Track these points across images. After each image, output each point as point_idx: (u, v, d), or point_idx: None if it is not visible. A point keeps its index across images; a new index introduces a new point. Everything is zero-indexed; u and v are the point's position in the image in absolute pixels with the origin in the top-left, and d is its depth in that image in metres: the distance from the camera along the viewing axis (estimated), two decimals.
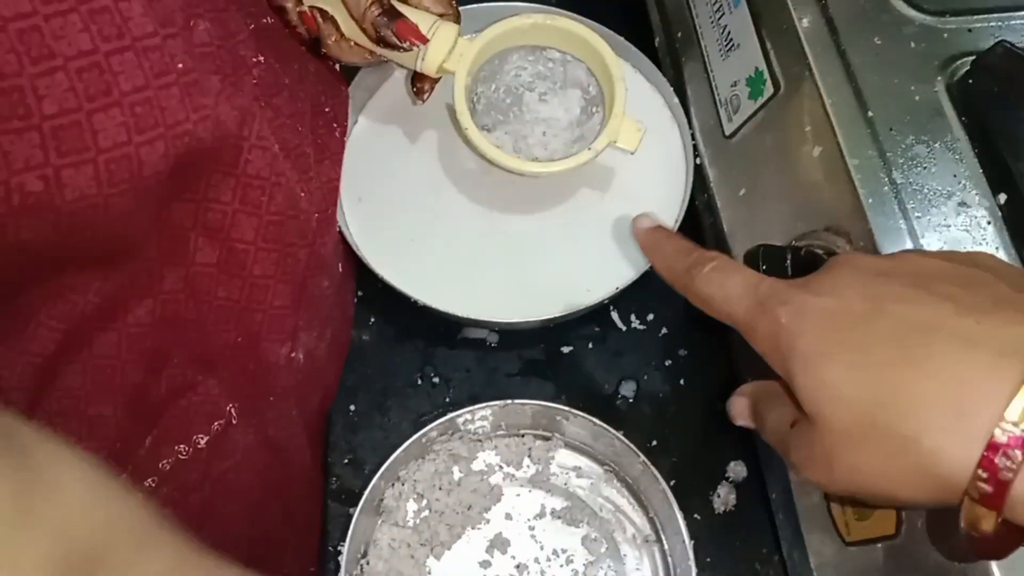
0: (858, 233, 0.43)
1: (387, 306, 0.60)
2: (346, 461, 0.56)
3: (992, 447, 0.26)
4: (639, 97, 0.61)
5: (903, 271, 0.32)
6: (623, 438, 0.52)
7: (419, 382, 0.59)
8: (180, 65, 0.37)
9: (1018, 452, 0.26)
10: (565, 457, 0.55)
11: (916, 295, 0.30)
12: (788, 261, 0.44)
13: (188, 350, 0.45)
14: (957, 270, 0.31)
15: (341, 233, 0.56)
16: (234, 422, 0.48)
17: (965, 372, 0.28)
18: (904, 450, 0.28)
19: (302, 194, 0.48)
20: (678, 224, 0.56)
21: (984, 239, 0.42)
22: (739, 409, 0.41)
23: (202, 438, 0.47)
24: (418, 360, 0.59)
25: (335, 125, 0.56)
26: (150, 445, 0.45)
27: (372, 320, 0.60)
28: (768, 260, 0.44)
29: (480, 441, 0.55)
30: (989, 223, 0.42)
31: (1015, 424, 0.26)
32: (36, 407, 0.41)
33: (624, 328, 0.59)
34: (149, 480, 0.45)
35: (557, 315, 0.54)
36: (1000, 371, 0.27)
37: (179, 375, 0.45)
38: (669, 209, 0.57)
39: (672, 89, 0.60)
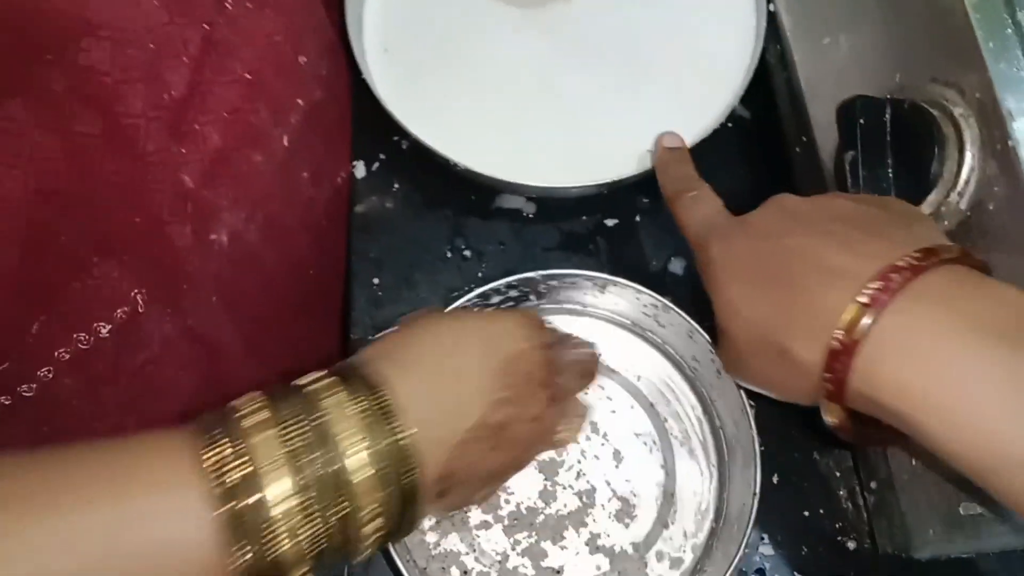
0: (973, 84, 0.37)
1: (412, 170, 0.54)
2: (370, 338, 0.51)
3: (831, 353, 0.33)
4: None
5: (812, 212, 0.37)
6: (679, 311, 0.47)
7: (449, 255, 0.53)
8: None
9: (847, 356, 0.32)
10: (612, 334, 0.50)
11: (809, 232, 0.36)
12: (888, 115, 0.38)
13: (77, 228, 0.39)
14: (857, 210, 0.36)
15: (313, 107, 0.49)
16: (141, 310, 0.43)
17: (825, 295, 0.33)
18: (781, 358, 0.35)
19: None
20: (748, 77, 0.49)
21: None
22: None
23: (103, 326, 0.42)
24: (448, 231, 0.54)
25: None
26: (38, 331, 0.40)
27: (396, 186, 0.55)
28: (866, 113, 0.38)
29: None
30: None
31: (845, 332, 0.32)
32: None
33: None
34: (43, 370, 0.41)
35: (607, 180, 0.49)
36: (842, 293, 0.32)
37: (69, 256, 0.40)
38: (738, 64, 0.50)
39: None
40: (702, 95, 0.50)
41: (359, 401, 0.33)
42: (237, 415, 0.33)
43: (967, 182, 0.37)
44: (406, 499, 0.34)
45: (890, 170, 0.38)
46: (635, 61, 0.51)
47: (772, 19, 0.50)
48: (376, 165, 0.55)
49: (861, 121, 0.38)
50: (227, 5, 0.42)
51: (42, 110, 0.35)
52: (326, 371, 0.36)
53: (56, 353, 0.40)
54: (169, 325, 0.44)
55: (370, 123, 0.54)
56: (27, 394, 0.40)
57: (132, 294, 0.42)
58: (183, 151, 0.41)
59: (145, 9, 0.37)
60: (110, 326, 0.42)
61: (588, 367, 0.43)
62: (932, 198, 0.38)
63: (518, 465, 0.40)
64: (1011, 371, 0.29)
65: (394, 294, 0.52)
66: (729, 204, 0.54)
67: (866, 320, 0.31)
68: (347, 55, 0.52)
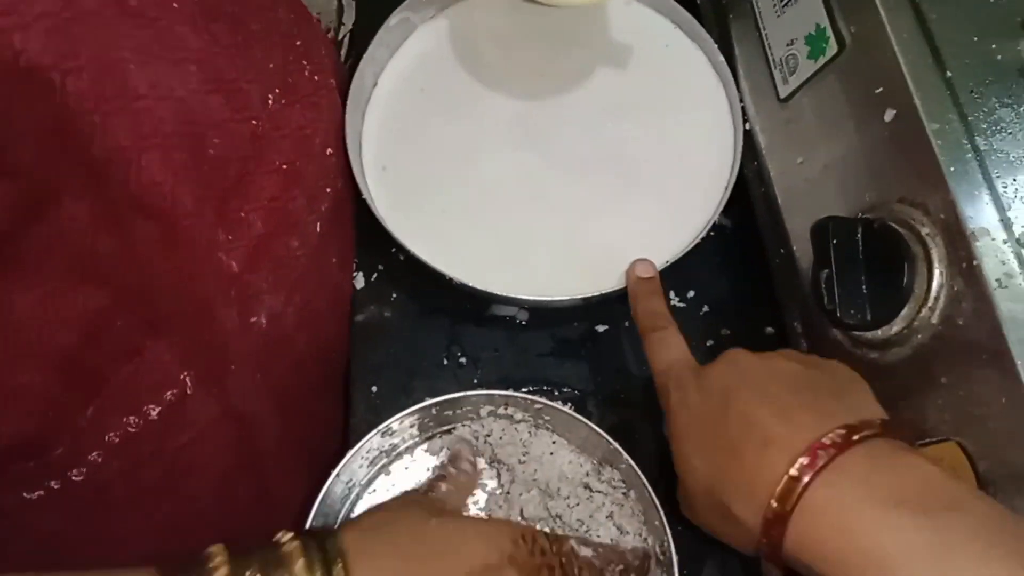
0: (938, 204, 0.40)
1: (410, 281, 0.56)
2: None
3: (766, 519, 0.36)
4: (681, 55, 0.57)
5: (760, 372, 0.40)
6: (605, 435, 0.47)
7: (445, 362, 0.55)
8: None
9: (780, 524, 0.35)
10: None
11: (753, 396, 0.39)
12: (860, 235, 0.41)
13: (130, 315, 0.41)
14: (800, 375, 0.39)
15: (339, 195, 0.51)
16: (189, 392, 0.44)
17: (761, 463, 0.36)
18: (724, 515, 0.38)
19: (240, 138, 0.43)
20: (727, 193, 0.52)
21: None
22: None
23: (153, 408, 0.43)
24: (444, 339, 0.56)
25: (305, 62, 0.50)
26: (92, 415, 0.41)
27: (394, 296, 0.57)
28: (838, 233, 0.41)
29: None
30: None
31: (778, 502, 0.35)
32: None
33: None
34: (94, 454, 0.41)
35: (597, 293, 0.51)
36: (776, 464, 0.35)
37: (122, 341, 0.41)
38: (717, 179, 0.53)
39: (717, 47, 0.55)
40: (686, 208, 0.53)
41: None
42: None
43: (937, 298, 0.39)
44: None
45: (864, 287, 0.40)
46: (621, 177, 0.54)
47: (748, 137, 0.53)
48: (375, 276, 0.57)
49: (834, 241, 0.40)
50: (269, 101, 0.45)
51: (104, 215, 0.37)
52: (293, 534, 0.38)
53: (106, 437, 0.41)
54: (214, 405, 0.46)
55: (369, 236, 0.56)
56: (76, 478, 0.41)
57: (181, 376, 0.44)
58: (229, 238, 0.43)
59: (212, 106, 0.40)
60: (159, 408, 0.43)
61: None
62: (905, 313, 0.40)
63: None
64: (929, 537, 0.32)
65: (392, 402, 0.54)
66: (713, 310, 0.56)
67: (796, 492, 0.34)
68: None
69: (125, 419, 0.42)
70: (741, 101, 0.54)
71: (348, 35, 0.75)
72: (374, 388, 0.54)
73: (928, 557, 0.31)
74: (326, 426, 0.58)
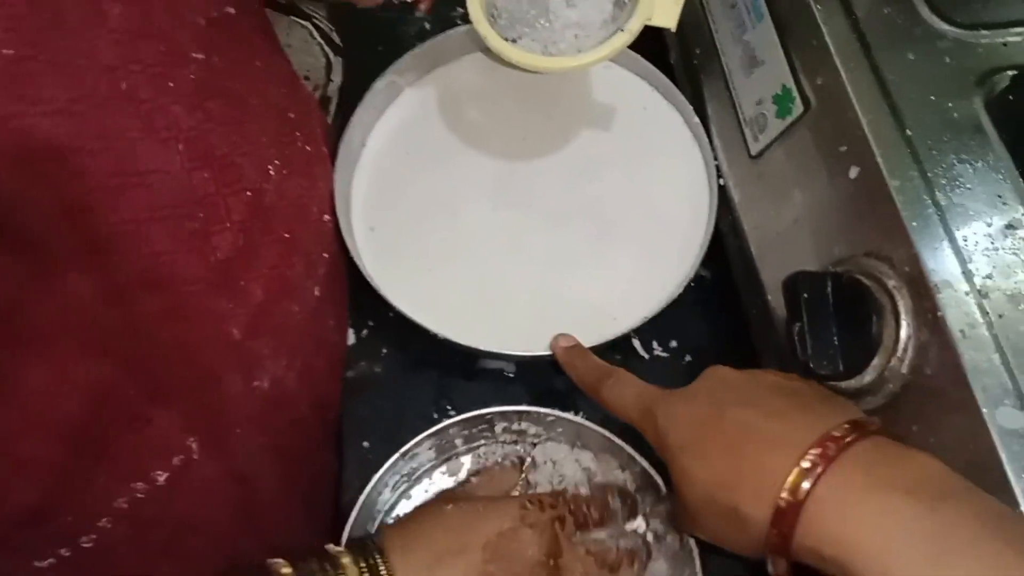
0: (902, 257, 0.41)
1: (399, 336, 0.58)
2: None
3: (777, 511, 0.37)
4: (657, 115, 0.59)
5: (747, 384, 0.42)
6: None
7: (435, 415, 0.56)
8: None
9: (792, 514, 0.36)
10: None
11: (746, 403, 0.40)
12: (829, 288, 0.42)
13: (135, 384, 0.42)
14: (786, 386, 0.42)
15: (334, 259, 0.53)
16: (195, 457, 0.46)
17: (768, 460, 0.38)
18: (730, 517, 0.39)
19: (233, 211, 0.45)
20: (704, 248, 0.54)
21: None
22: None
23: (161, 475, 0.44)
24: (433, 392, 0.57)
25: (298, 134, 0.52)
26: (100, 484, 0.42)
27: (384, 351, 0.58)
28: (808, 288, 0.42)
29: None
30: None
31: (790, 493, 0.36)
32: None
33: (647, 356, 0.57)
34: (103, 521, 0.42)
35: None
36: (784, 459, 0.37)
37: (128, 410, 0.42)
38: (693, 233, 0.55)
39: (692, 108, 0.58)
40: (665, 262, 0.55)
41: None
42: None
43: (905, 348, 0.40)
44: None
45: (835, 339, 0.42)
46: (603, 234, 0.56)
47: (723, 192, 0.55)
48: (365, 332, 0.59)
49: (805, 295, 0.42)
50: (270, 172, 0.47)
51: (108, 290, 0.38)
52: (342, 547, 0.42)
53: (115, 503, 0.42)
54: (218, 466, 0.47)
55: (359, 293, 0.58)
56: (86, 545, 0.42)
57: (188, 442, 0.45)
58: (231, 306, 0.45)
59: (195, 183, 0.41)
60: (167, 474, 0.44)
61: (603, 554, 0.46)
62: (875, 363, 0.41)
63: None
64: (927, 523, 0.34)
65: (383, 456, 0.55)
66: (696, 359, 0.57)
67: (807, 483, 0.36)
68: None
69: (133, 485, 0.43)
70: (715, 159, 0.56)
71: (337, 91, 0.77)
72: (365, 443, 0.55)
73: (925, 540, 0.33)
74: (324, 477, 0.59)
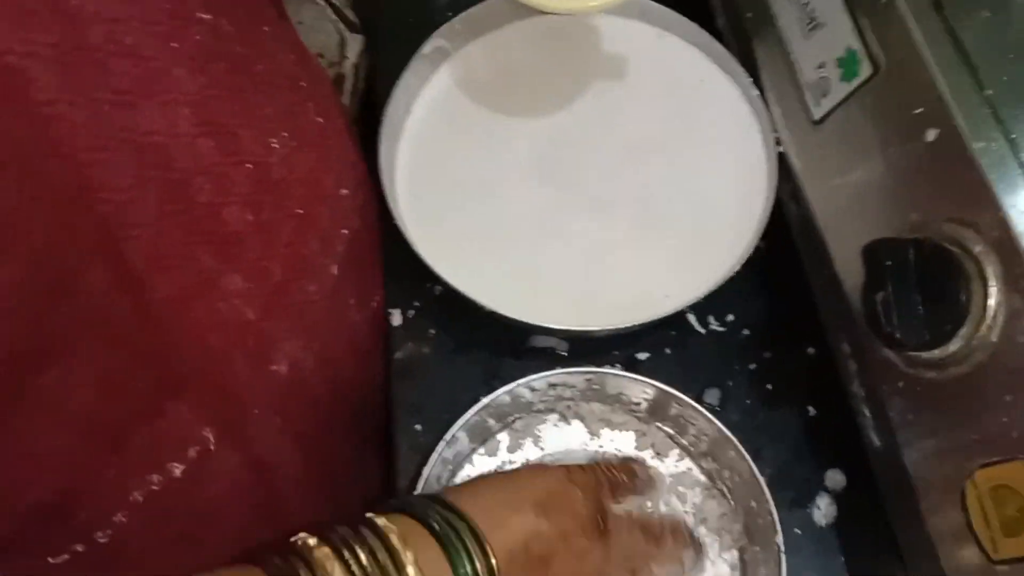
0: (988, 222, 0.40)
1: (446, 316, 0.56)
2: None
3: None
4: (713, 88, 0.57)
5: None
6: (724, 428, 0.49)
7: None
8: None
9: None
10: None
11: None
12: (912, 255, 0.41)
13: (148, 373, 0.41)
14: None
15: (355, 236, 0.51)
16: (212, 447, 0.44)
17: None
18: None
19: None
20: (763, 223, 0.52)
21: None
22: None
23: (177, 467, 0.43)
24: (483, 372, 0.55)
25: (310, 104, 0.50)
26: (115, 477, 0.40)
27: (431, 332, 0.56)
28: (891, 255, 0.41)
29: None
30: None
31: None
32: None
33: (703, 331, 0.56)
34: (119, 515, 0.41)
35: (632, 324, 0.50)
36: None
37: (142, 400, 0.41)
38: (752, 206, 0.53)
39: (751, 79, 0.56)
40: (720, 238, 0.53)
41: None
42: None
43: (995, 316, 0.39)
44: None
45: (920, 308, 0.40)
46: (655, 211, 0.54)
47: (782, 159, 0.53)
48: (411, 313, 0.57)
49: (887, 263, 0.40)
50: (274, 145, 0.45)
51: (121, 277, 0.36)
52: (388, 511, 0.42)
53: (130, 497, 0.41)
54: (237, 457, 0.45)
55: (402, 273, 0.56)
56: (101, 540, 0.40)
57: (203, 432, 0.43)
58: (245, 286, 0.43)
59: (201, 151, 0.39)
60: (183, 466, 0.42)
61: (646, 523, 0.46)
62: (963, 331, 0.40)
63: None
64: None
65: (434, 440, 0.53)
66: (754, 333, 0.56)
67: None
68: (377, 193, 0.55)
69: (148, 478, 0.42)
70: (774, 129, 0.54)
71: (352, 69, 0.75)
72: (417, 426, 0.54)
73: None
74: (352, 470, 0.58)
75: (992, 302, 0.39)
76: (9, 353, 0.33)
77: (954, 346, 0.40)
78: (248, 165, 0.42)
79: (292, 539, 0.39)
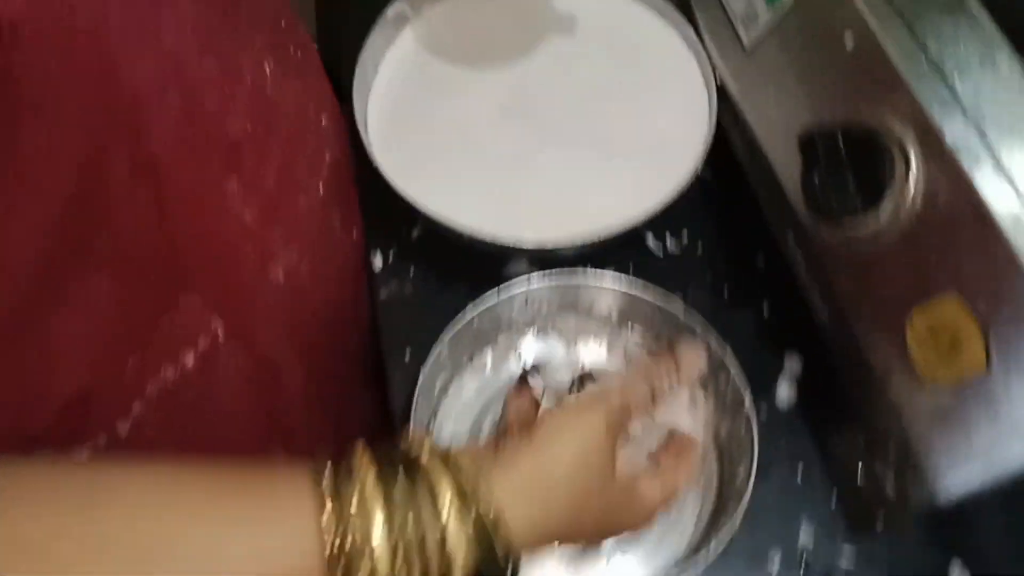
0: (904, 106, 0.45)
1: (425, 255, 0.60)
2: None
3: None
4: (653, 31, 0.63)
5: None
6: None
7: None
8: None
9: None
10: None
11: None
12: (840, 138, 0.46)
13: (162, 265, 0.43)
14: None
15: (336, 162, 0.55)
16: (221, 340, 0.47)
17: None
18: None
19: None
20: (707, 145, 0.57)
21: None
22: None
23: (188, 356, 0.45)
24: (464, 302, 0.59)
25: (290, 42, 0.53)
26: (133, 366, 0.43)
27: (412, 271, 0.60)
28: (822, 138, 0.46)
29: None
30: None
31: None
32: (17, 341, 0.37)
33: (662, 251, 0.61)
34: (136, 405, 0.43)
35: (596, 239, 0.55)
36: None
37: (157, 291, 0.44)
38: (695, 133, 0.58)
39: (686, 19, 0.61)
40: (669, 163, 0.58)
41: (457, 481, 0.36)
42: (357, 478, 0.34)
43: (916, 182, 0.44)
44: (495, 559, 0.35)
45: (851, 180, 0.46)
46: (609, 140, 0.60)
47: (721, 91, 0.59)
48: (391, 256, 0.61)
49: (820, 146, 0.46)
50: (266, 69, 0.48)
51: (142, 166, 0.39)
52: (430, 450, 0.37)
53: (147, 388, 0.43)
54: (242, 352, 0.48)
55: (380, 218, 0.60)
56: (121, 432, 0.43)
57: (212, 323, 0.46)
58: (244, 190, 0.46)
59: (206, 65, 0.42)
60: (193, 355, 0.45)
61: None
62: (890, 200, 0.45)
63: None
64: None
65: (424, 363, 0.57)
66: (707, 250, 0.61)
67: None
68: (352, 137, 0.59)
69: (163, 368, 0.44)
70: (711, 63, 0.60)
71: None
72: (407, 357, 0.58)
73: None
74: (350, 391, 0.61)
75: (913, 170, 0.45)
76: (55, 254, 0.36)
77: (884, 215, 0.46)
78: (246, 82, 0.46)
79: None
